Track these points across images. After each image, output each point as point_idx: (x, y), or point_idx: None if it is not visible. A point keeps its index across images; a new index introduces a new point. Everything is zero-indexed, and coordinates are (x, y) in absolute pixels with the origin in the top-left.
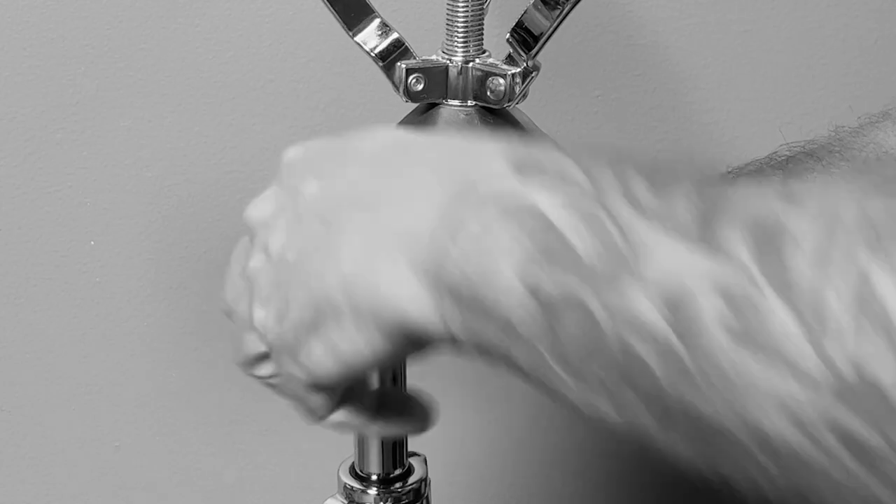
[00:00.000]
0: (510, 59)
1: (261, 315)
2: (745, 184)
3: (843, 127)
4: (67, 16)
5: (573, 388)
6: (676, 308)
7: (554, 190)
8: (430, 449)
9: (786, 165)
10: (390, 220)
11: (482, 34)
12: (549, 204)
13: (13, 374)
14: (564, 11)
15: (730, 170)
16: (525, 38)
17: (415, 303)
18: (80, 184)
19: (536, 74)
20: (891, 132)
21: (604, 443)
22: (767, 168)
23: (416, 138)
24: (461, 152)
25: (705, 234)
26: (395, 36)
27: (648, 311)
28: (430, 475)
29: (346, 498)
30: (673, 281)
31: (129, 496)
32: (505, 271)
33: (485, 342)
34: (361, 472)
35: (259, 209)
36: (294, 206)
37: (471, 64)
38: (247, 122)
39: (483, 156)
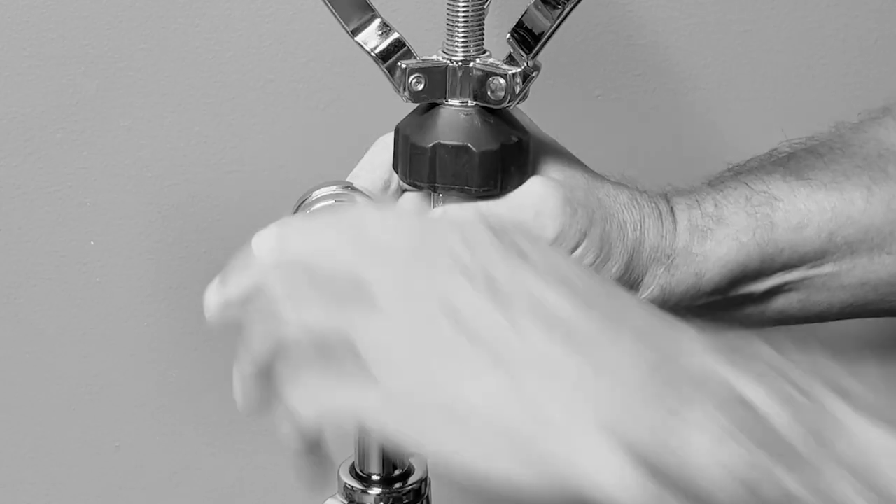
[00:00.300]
0: (511, 60)
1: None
2: None
3: (844, 123)
4: (67, 16)
5: None
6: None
7: (759, 378)
8: None
9: (787, 162)
10: (588, 386)
11: (482, 34)
12: (755, 392)
13: (13, 374)
14: (565, 11)
15: (730, 167)
16: (525, 38)
17: (614, 481)
18: (80, 184)
19: (537, 74)
20: (892, 128)
21: None
22: (768, 164)
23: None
24: (656, 324)
25: None
26: (395, 36)
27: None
28: (430, 475)
29: (346, 498)
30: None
31: (129, 496)
32: (712, 461)
33: None
34: (361, 472)
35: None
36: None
37: (471, 64)
38: (247, 122)
39: (679, 331)
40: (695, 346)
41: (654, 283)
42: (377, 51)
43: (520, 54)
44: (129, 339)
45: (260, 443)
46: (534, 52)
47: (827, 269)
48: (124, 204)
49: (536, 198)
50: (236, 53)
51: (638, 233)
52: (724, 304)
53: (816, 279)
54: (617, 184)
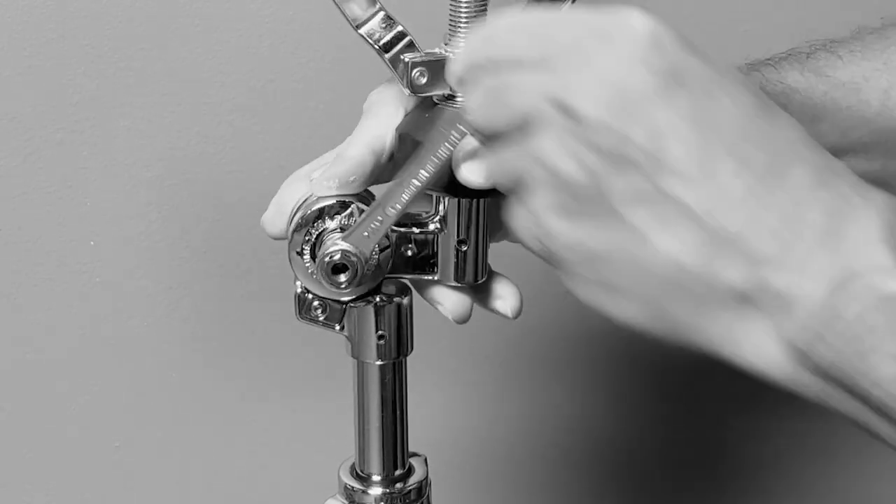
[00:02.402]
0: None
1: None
2: None
3: (866, 27)
4: (67, 16)
5: None
6: None
7: None
8: (430, 449)
9: (805, 60)
10: (772, 281)
11: None
12: None
13: (13, 374)
14: (565, 7)
15: (747, 61)
16: None
17: (771, 367)
18: (80, 184)
19: None
20: None
21: (604, 444)
22: (785, 61)
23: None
24: (841, 220)
25: None
26: (398, 28)
27: None
28: (430, 475)
29: (346, 498)
30: None
31: (129, 496)
32: (892, 378)
33: (843, 412)
34: (362, 472)
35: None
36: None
37: None
38: (247, 122)
39: (863, 237)
40: (881, 258)
41: None
42: (381, 43)
43: None
44: (129, 339)
45: (260, 443)
46: None
47: None
48: (124, 204)
49: None
50: (236, 53)
51: None
52: None
53: None
54: None
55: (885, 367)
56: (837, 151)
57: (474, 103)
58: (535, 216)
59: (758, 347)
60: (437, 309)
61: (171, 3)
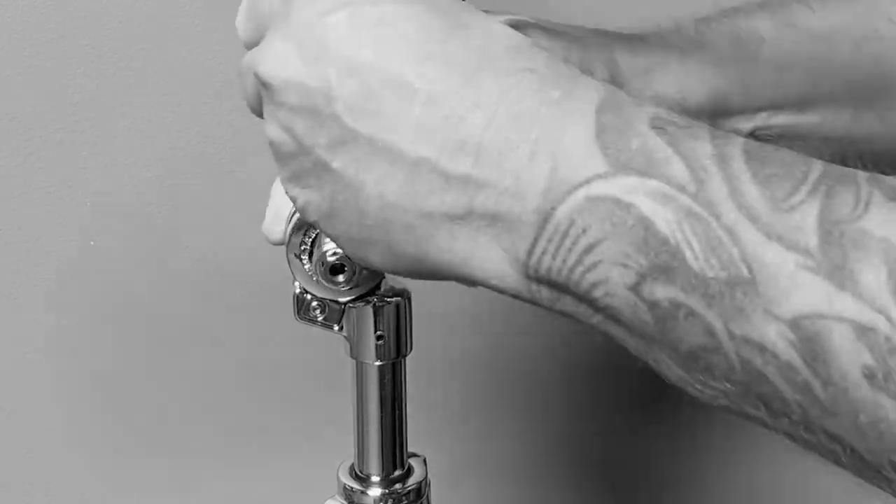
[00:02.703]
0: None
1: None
2: (881, 211)
3: None
4: (67, 16)
5: (682, 376)
6: (809, 340)
7: (664, 201)
8: (430, 450)
9: (777, 10)
10: (481, 199)
11: None
12: (662, 219)
13: (13, 374)
14: None
15: (720, 11)
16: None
17: (503, 281)
18: (80, 184)
19: None
20: None
21: (604, 445)
22: (757, 9)
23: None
24: (548, 112)
25: (837, 264)
26: None
27: (776, 338)
28: (430, 476)
29: (345, 499)
30: (805, 312)
31: (128, 496)
32: (616, 281)
33: (579, 319)
34: (361, 472)
35: (278, 69)
36: (330, 102)
37: None
38: (247, 122)
39: (571, 143)
40: (595, 163)
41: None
42: None
43: None
44: (129, 339)
45: (260, 443)
46: None
47: (812, 118)
48: (124, 204)
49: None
50: (236, 53)
51: (607, 54)
52: None
53: (800, 128)
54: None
55: (601, 267)
56: (807, 102)
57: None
58: (283, 184)
59: (486, 265)
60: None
61: (171, 3)
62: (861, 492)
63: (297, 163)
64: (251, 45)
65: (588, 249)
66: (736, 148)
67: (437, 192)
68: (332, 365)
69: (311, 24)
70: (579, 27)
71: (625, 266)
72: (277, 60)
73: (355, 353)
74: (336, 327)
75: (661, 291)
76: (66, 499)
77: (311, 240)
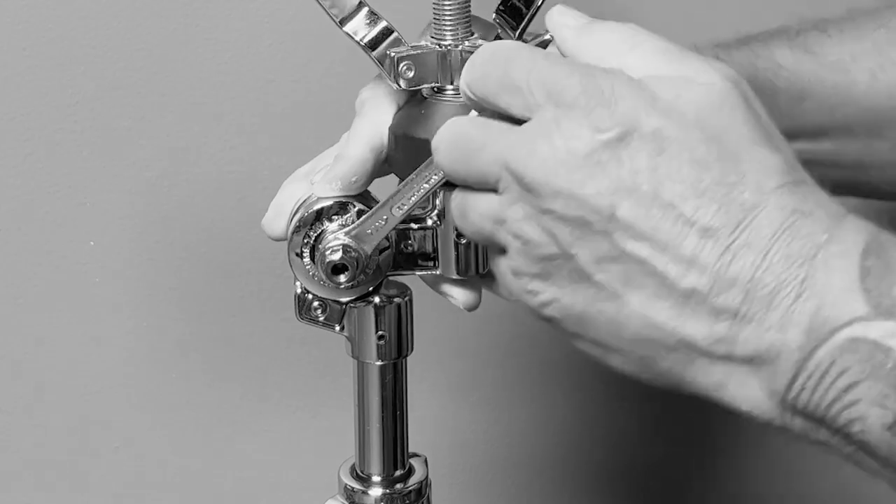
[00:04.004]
0: (499, 40)
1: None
2: None
3: (859, 8)
4: (67, 16)
5: None
6: None
7: None
8: (430, 450)
9: (795, 37)
10: (745, 334)
11: (469, 17)
12: None
13: (13, 374)
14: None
15: (738, 37)
16: (509, 17)
17: (757, 409)
18: (80, 184)
19: None
20: None
21: (603, 445)
22: (776, 37)
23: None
24: (816, 254)
25: None
26: (383, 24)
27: None
28: (430, 476)
29: (346, 499)
30: None
31: (129, 496)
32: (874, 420)
33: (832, 448)
34: (362, 472)
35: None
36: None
37: (460, 47)
38: (247, 122)
39: (836, 286)
40: (858, 307)
41: None
42: (366, 40)
43: (507, 33)
44: (129, 339)
45: (260, 443)
46: (518, 31)
47: (825, 146)
48: (124, 204)
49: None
50: (236, 53)
51: None
52: None
53: (813, 155)
54: None
55: (860, 406)
56: (823, 130)
57: (443, 150)
58: (514, 274)
59: (741, 393)
60: (448, 300)
61: (171, 3)
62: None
63: (554, 265)
64: (480, 103)
65: (847, 388)
66: None
67: (704, 322)
68: (333, 365)
69: (585, 138)
70: None
71: (883, 406)
72: (548, 166)
73: (356, 352)
74: (337, 327)
75: None
76: (66, 499)
77: (312, 239)
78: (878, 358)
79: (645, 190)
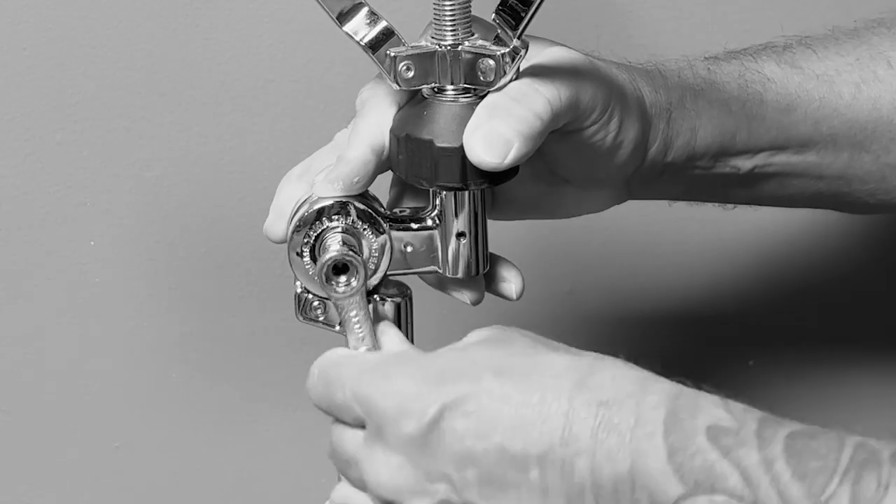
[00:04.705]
0: (498, 40)
1: None
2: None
3: (840, 27)
4: (67, 16)
5: None
6: None
7: None
8: None
9: (782, 52)
10: None
11: (469, 17)
12: None
13: (13, 374)
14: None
15: (727, 50)
16: (509, 17)
17: None
18: (80, 184)
19: (525, 53)
20: (885, 36)
21: None
22: (763, 51)
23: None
24: (630, 443)
25: None
26: (383, 24)
27: None
28: None
29: None
30: None
31: (129, 496)
32: None
33: None
34: None
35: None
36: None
37: (460, 47)
38: (247, 122)
39: (654, 469)
40: (667, 486)
41: (659, 137)
42: (366, 40)
43: (506, 33)
44: (129, 338)
45: (260, 443)
46: (518, 31)
47: (811, 157)
48: (124, 204)
49: (565, 51)
50: (236, 53)
51: (637, 91)
52: (710, 181)
53: (798, 166)
54: (600, 57)
55: None
56: (809, 142)
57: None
58: None
59: None
60: (453, 297)
61: (171, 3)
62: None
63: None
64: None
65: None
66: (777, 446)
67: None
68: None
69: (412, 437)
70: (610, 61)
71: None
72: (390, 474)
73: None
74: (337, 327)
75: None
76: (66, 499)
77: (312, 239)
78: None
79: (477, 451)
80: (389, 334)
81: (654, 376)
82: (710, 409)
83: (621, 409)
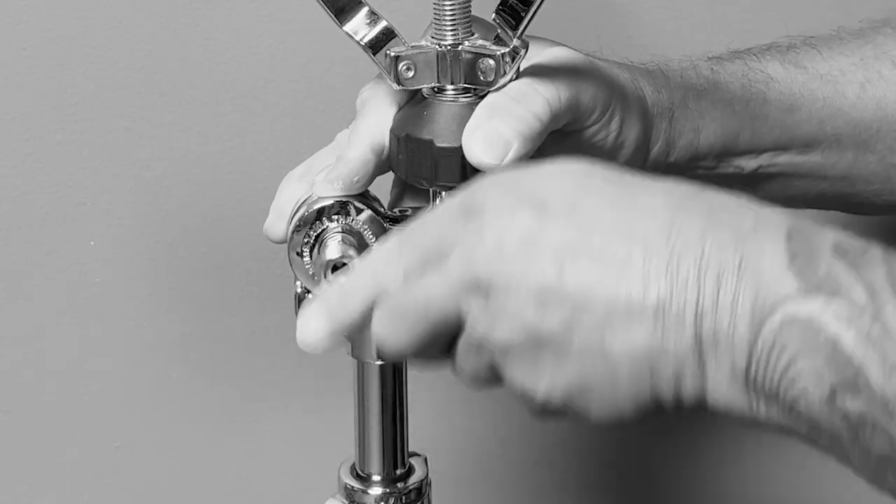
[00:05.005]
0: (498, 40)
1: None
2: None
3: (845, 27)
4: (67, 16)
5: (874, 479)
6: None
7: (848, 323)
8: (431, 449)
9: (785, 52)
10: (707, 324)
11: (469, 17)
12: (846, 339)
13: (13, 374)
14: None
15: (730, 50)
16: (510, 17)
17: (731, 400)
18: (80, 184)
19: (524, 53)
20: (889, 36)
21: (604, 446)
22: (767, 51)
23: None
24: (746, 240)
25: None
26: (383, 24)
27: None
28: (430, 475)
29: (346, 498)
30: None
31: (129, 496)
32: (813, 395)
33: (795, 431)
34: (362, 472)
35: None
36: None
37: (460, 47)
38: (247, 122)
39: (767, 268)
40: (787, 285)
41: (661, 137)
42: (366, 40)
43: (506, 33)
44: (129, 338)
45: (260, 443)
46: (519, 31)
47: (815, 158)
48: (124, 204)
49: (565, 51)
50: (236, 53)
51: (639, 91)
52: (714, 181)
53: (802, 167)
54: (601, 58)
55: (800, 380)
56: (813, 142)
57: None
58: (513, 386)
59: (716, 386)
60: None
61: (171, 3)
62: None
63: (530, 352)
64: (411, 272)
65: (788, 365)
66: None
67: (675, 329)
68: (333, 365)
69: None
70: (612, 61)
71: (818, 381)
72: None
73: (357, 352)
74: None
75: (851, 404)
76: (66, 499)
77: (312, 239)
78: (809, 334)
79: (577, 246)
80: None
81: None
82: (835, 231)
83: (737, 214)
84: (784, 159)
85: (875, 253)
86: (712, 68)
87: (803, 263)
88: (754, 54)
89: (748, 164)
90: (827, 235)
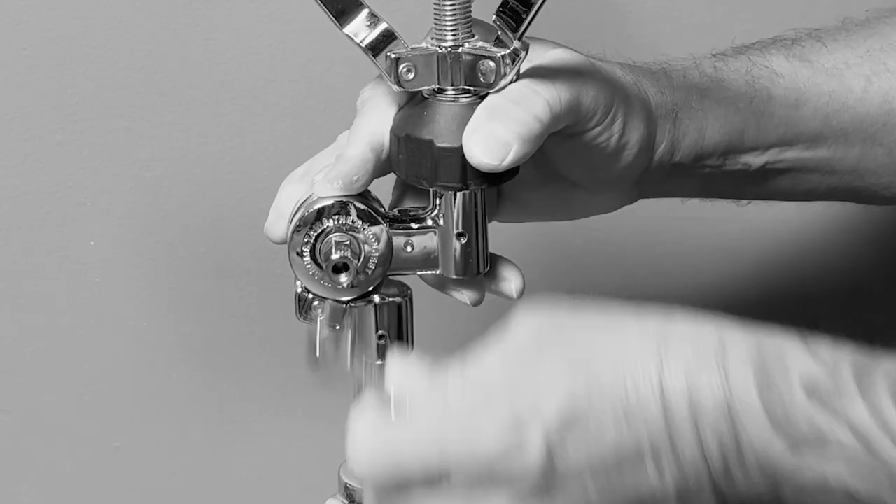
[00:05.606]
0: (499, 42)
1: None
2: None
3: (851, 18)
4: (67, 16)
5: None
6: None
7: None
8: None
9: (791, 46)
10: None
11: (470, 19)
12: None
13: (13, 374)
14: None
15: (734, 46)
16: (510, 19)
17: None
18: (80, 184)
19: (525, 55)
20: None
21: None
22: (771, 46)
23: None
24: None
25: None
26: (384, 26)
27: None
28: None
29: (346, 498)
30: None
31: (129, 496)
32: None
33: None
34: None
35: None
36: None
37: (460, 49)
38: (247, 122)
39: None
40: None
41: (665, 137)
42: (366, 42)
43: (507, 35)
44: (129, 338)
45: (260, 443)
46: (519, 33)
47: (822, 152)
48: (124, 204)
49: (566, 53)
50: (236, 53)
51: (642, 93)
52: (722, 178)
53: (810, 162)
54: (604, 59)
55: None
56: (820, 137)
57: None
58: None
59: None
60: (453, 297)
61: (171, 3)
62: None
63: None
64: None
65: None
66: (881, 390)
67: None
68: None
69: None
70: (614, 63)
71: None
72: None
73: (357, 352)
74: (337, 327)
75: None
76: (66, 499)
77: (312, 239)
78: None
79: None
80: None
81: (727, 321)
82: (799, 359)
83: (709, 371)
84: (791, 155)
85: (846, 382)
86: (716, 66)
87: (781, 415)
88: (758, 49)
89: (755, 160)
90: (793, 372)
